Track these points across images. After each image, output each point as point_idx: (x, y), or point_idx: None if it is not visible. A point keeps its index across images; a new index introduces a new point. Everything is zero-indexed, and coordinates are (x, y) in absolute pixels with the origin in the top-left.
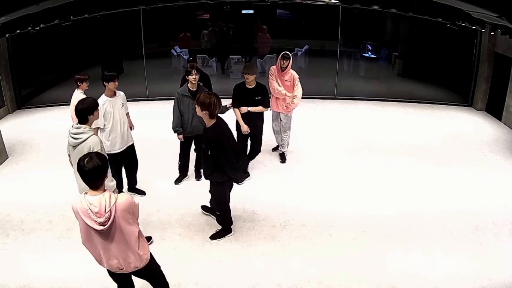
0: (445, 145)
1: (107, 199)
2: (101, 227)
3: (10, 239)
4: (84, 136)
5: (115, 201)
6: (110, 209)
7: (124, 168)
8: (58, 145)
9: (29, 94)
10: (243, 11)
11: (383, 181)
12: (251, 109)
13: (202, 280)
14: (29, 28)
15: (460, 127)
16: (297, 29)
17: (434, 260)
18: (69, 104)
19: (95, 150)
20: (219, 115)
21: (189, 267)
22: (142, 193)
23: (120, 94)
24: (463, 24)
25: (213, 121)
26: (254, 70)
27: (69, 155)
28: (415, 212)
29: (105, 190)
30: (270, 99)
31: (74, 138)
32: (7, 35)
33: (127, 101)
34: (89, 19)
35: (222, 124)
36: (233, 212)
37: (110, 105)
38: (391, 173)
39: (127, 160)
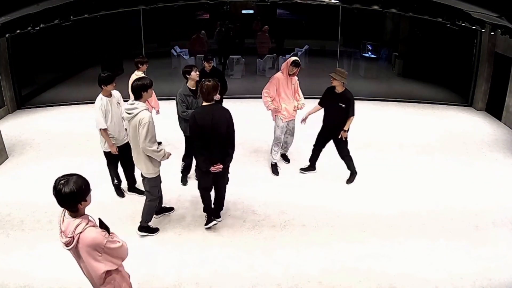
0: (445, 145)
1: (73, 226)
2: (65, 247)
3: (10, 239)
4: (135, 111)
5: (80, 233)
6: (72, 237)
7: (121, 166)
8: (58, 145)
9: (29, 94)
10: (243, 11)
11: (383, 181)
12: (346, 128)
13: (202, 280)
14: (29, 28)
15: (460, 127)
16: (297, 29)
17: (434, 260)
18: (69, 104)
19: (142, 123)
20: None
21: (189, 267)
22: (141, 192)
23: (116, 93)
24: (463, 24)
25: (201, 103)
26: (340, 75)
27: (126, 129)
28: (415, 212)
29: (81, 216)
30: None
31: (127, 113)
32: (7, 35)
33: (127, 101)
34: (89, 19)
35: (206, 110)
36: (233, 212)
37: (108, 103)
38: (391, 173)
39: (123, 158)
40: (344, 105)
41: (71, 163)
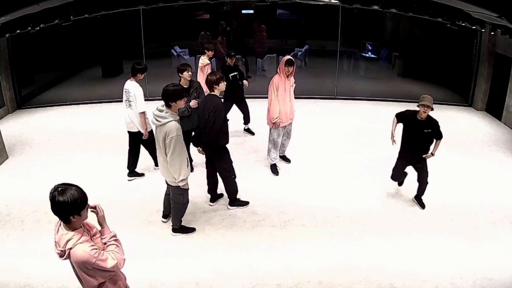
0: (445, 145)
1: (64, 240)
2: (59, 258)
3: (10, 239)
4: (163, 121)
5: (70, 248)
6: (63, 250)
7: (148, 149)
8: (58, 145)
9: (29, 94)
10: (243, 11)
11: (383, 181)
12: (435, 152)
13: (202, 280)
14: (29, 28)
15: (460, 127)
16: (297, 29)
17: (434, 260)
18: (69, 104)
19: (169, 136)
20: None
21: (189, 267)
22: (141, 175)
23: None
24: (463, 24)
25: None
26: (431, 103)
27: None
28: (415, 212)
29: (75, 229)
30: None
31: (156, 120)
32: (7, 35)
33: None
34: (89, 19)
35: (205, 97)
36: (233, 212)
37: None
38: (391, 173)
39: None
40: (430, 130)
41: (71, 163)
